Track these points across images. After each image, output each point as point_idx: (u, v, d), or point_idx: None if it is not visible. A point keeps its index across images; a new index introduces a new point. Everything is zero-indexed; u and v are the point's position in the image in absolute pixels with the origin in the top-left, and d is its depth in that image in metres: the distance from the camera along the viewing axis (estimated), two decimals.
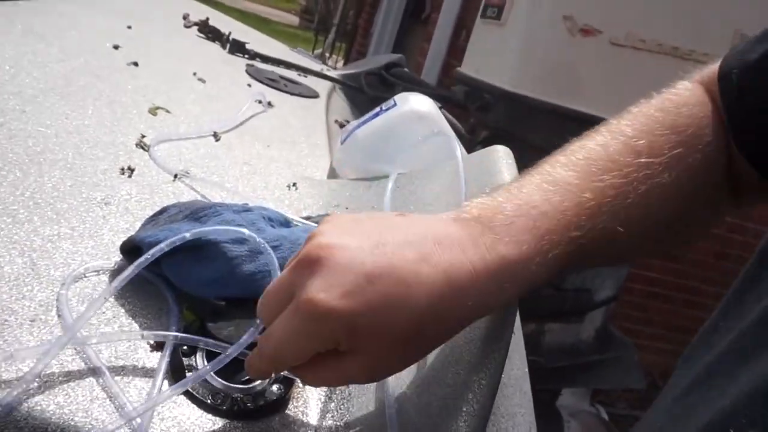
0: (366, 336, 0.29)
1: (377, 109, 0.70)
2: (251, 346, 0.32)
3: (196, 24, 1.19)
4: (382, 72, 1.36)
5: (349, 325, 0.28)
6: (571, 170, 0.37)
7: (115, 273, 0.38)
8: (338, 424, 0.35)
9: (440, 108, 1.07)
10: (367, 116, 0.70)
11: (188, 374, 0.32)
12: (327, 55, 6.27)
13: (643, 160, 0.37)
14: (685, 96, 0.41)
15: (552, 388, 1.54)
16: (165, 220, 0.41)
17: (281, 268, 0.39)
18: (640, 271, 2.64)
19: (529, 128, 0.96)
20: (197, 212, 0.40)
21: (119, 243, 0.39)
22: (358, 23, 5.19)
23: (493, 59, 1.03)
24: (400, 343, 0.30)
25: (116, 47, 0.80)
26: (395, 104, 0.68)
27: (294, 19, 13.90)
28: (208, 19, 1.18)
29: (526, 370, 0.53)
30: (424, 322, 0.29)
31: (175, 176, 0.52)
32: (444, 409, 0.34)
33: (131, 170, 0.50)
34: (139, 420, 0.28)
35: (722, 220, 0.35)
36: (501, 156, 0.55)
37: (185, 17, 1.21)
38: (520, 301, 0.47)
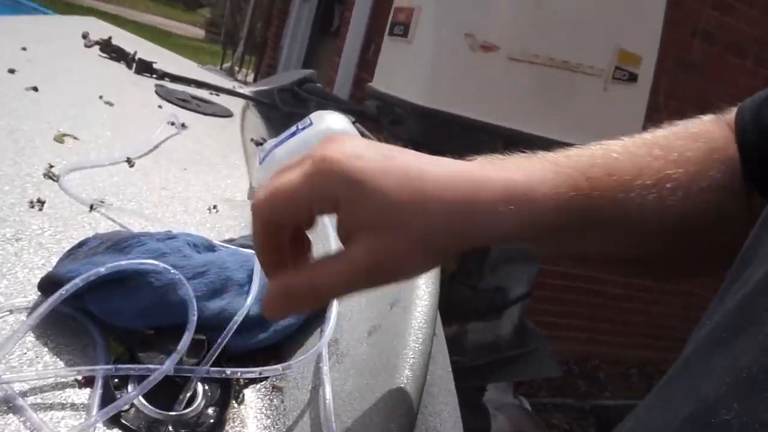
0: (371, 202, 0.29)
1: (293, 128, 0.71)
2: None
3: (97, 43, 1.15)
4: (295, 88, 1.37)
5: (357, 185, 0.28)
6: (584, 149, 0.37)
7: (33, 311, 0.37)
8: None
9: (354, 123, 1.10)
10: (284, 135, 0.72)
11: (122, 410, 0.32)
12: (236, 69, 6.16)
13: (657, 152, 0.37)
14: (707, 120, 0.42)
15: (477, 385, 1.61)
16: (85, 253, 0.40)
17: (212, 293, 0.40)
18: (551, 266, 2.81)
19: (441, 140, 1.01)
20: (119, 243, 0.40)
21: (35, 280, 0.38)
22: (267, 36, 5.14)
23: (403, 75, 1.08)
24: (406, 226, 0.29)
25: (12, 71, 0.76)
26: (311, 123, 0.70)
27: (198, 32, 13.50)
28: (110, 38, 1.14)
29: (450, 369, 0.56)
30: (434, 209, 0.30)
31: (91, 207, 0.51)
32: (376, 413, 0.36)
33: (41, 203, 0.49)
34: None
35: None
36: None
37: (85, 36, 1.16)
38: (441, 305, 0.49)
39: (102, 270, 0.36)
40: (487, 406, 1.67)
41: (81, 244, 0.42)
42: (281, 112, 1.29)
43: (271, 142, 0.73)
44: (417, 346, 0.39)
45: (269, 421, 0.37)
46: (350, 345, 0.42)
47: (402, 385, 0.37)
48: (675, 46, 2.51)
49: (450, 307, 1.42)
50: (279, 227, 0.32)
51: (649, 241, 0.38)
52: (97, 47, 1.14)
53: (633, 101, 1.16)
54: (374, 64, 2.11)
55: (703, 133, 0.40)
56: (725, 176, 0.38)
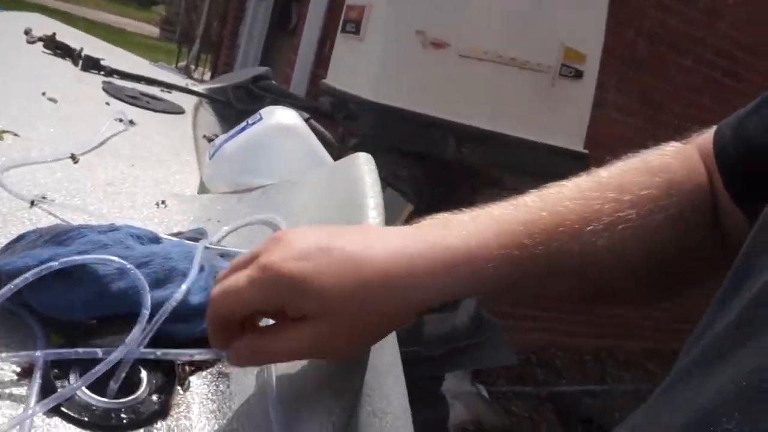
0: (312, 299, 0.32)
1: (243, 123, 0.72)
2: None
3: (41, 39, 1.12)
4: (250, 85, 1.37)
5: (297, 287, 0.32)
6: (536, 197, 0.39)
7: None
8: (221, 422, 0.37)
9: (309, 119, 1.11)
10: (234, 130, 0.72)
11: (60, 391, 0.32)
12: (192, 67, 6.04)
13: (611, 194, 0.39)
14: (669, 150, 0.43)
15: (435, 375, 1.64)
16: (23, 246, 0.40)
17: (155, 283, 0.40)
18: None
19: (392, 135, 1.03)
20: (59, 236, 0.40)
21: None
22: (223, 34, 5.06)
23: (355, 71, 1.09)
24: (347, 313, 0.33)
25: None
26: (261, 118, 0.71)
27: (154, 30, 13.17)
28: (54, 34, 1.12)
29: (399, 356, 0.58)
30: (372, 293, 0.33)
31: (32, 203, 0.50)
32: (320, 394, 0.37)
33: None
34: None
35: (719, 274, 0.37)
36: (362, 162, 0.60)
37: (27, 32, 1.13)
38: None
39: (55, 264, 0.36)
40: (445, 395, 1.71)
41: (19, 238, 0.41)
42: (236, 109, 1.29)
43: (222, 137, 0.74)
44: None
45: (215, 405, 0.38)
46: None
47: (344, 368, 0.38)
48: (621, 45, 2.60)
49: None
50: (231, 319, 0.35)
51: (609, 279, 0.40)
52: (40, 43, 1.11)
53: (579, 97, 1.21)
54: (330, 60, 2.11)
55: (661, 167, 0.41)
56: (684, 209, 0.39)
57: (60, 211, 0.51)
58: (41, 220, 0.49)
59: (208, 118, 1.20)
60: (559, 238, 0.37)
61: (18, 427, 0.29)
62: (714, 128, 0.43)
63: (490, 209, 0.38)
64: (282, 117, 0.71)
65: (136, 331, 0.35)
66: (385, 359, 0.53)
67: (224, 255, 0.50)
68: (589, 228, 0.37)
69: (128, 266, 0.38)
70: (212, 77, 5.12)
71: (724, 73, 2.99)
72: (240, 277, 0.34)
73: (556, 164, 1.22)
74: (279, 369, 0.39)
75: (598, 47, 1.16)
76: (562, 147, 1.19)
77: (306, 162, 0.70)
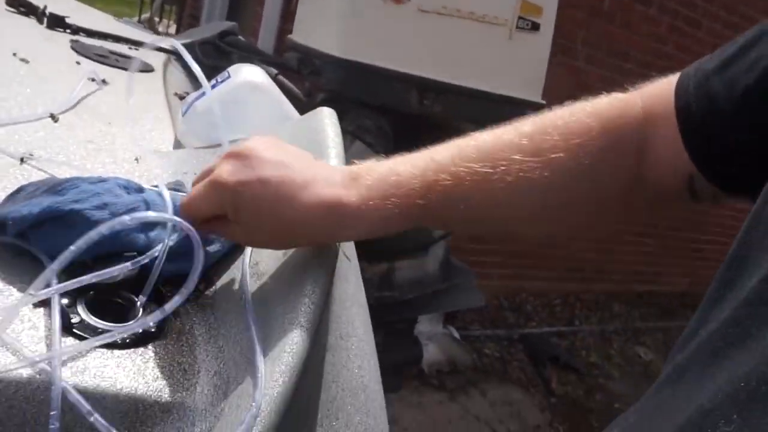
0: (244, 209, 0.42)
1: (213, 81, 0.76)
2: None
3: None
4: (217, 41, 1.38)
5: (234, 198, 0.42)
6: (450, 151, 0.45)
7: None
8: (209, 344, 0.44)
9: (277, 75, 1.14)
10: (202, 88, 0.76)
11: (74, 322, 0.38)
12: (156, 20, 5.84)
13: (517, 157, 0.43)
14: (602, 104, 0.45)
15: (408, 318, 1.74)
16: (24, 197, 0.45)
17: (143, 227, 0.46)
18: None
19: (356, 89, 1.07)
20: (55, 186, 0.45)
21: None
22: None
23: (319, 27, 1.12)
24: (267, 224, 0.43)
25: None
26: (229, 76, 0.75)
27: None
28: None
29: (362, 288, 0.65)
30: (284, 216, 0.42)
31: (22, 160, 0.55)
32: (288, 310, 0.44)
33: None
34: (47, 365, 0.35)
35: (639, 215, 0.40)
36: (325, 116, 0.65)
37: None
38: (368, 243, 0.58)
39: (103, 230, 0.41)
40: (418, 337, 1.82)
41: (18, 191, 0.46)
42: (204, 65, 1.31)
43: (193, 95, 0.78)
44: (321, 261, 0.48)
45: (203, 329, 0.45)
46: (268, 265, 0.49)
47: (310, 293, 0.45)
48: None
49: (379, 247, 1.52)
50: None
51: (527, 225, 0.48)
52: (2, 1, 1.10)
53: (536, 49, 1.26)
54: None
55: (594, 111, 0.44)
56: (606, 150, 0.43)
57: (48, 167, 0.56)
58: (32, 175, 0.54)
59: (178, 76, 1.22)
60: (458, 197, 0.44)
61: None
62: (667, 79, 0.44)
63: (402, 164, 0.46)
64: (249, 74, 0.75)
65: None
66: (350, 290, 0.60)
67: None
68: (489, 186, 0.44)
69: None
70: (177, 31, 4.97)
71: (686, 21, 3.05)
72: (198, 189, 0.44)
73: (515, 115, 1.28)
74: (255, 299, 0.45)
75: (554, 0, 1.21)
76: (521, 98, 1.25)
77: (274, 117, 0.75)
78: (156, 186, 0.58)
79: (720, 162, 0.40)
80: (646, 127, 0.44)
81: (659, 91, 0.44)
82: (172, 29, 5.32)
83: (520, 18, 1.18)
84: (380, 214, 0.44)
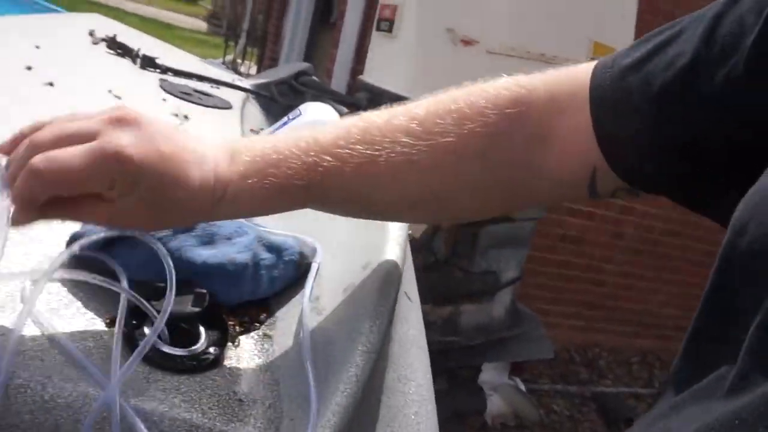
0: (142, 188, 0.37)
1: (285, 118, 0.79)
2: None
3: (103, 40, 1.22)
4: (292, 81, 1.44)
5: (136, 175, 0.37)
6: (335, 133, 0.44)
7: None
8: (265, 374, 0.43)
9: (346, 113, 1.17)
10: (276, 125, 0.79)
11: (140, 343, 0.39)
12: (239, 61, 6.22)
13: (405, 140, 0.42)
14: (501, 89, 0.44)
15: (472, 365, 1.69)
16: None
17: (201, 244, 0.47)
18: (548, 255, 2.88)
19: None
20: None
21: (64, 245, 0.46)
22: (268, 28, 5.20)
23: (389, 68, 1.15)
24: (153, 203, 0.39)
25: (29, 68, 0.83)
26: (300, 113, 0.77)
27: (201, 24, 13.55)
28: (116, 35, 1.21)
29: (423, 330, 0.64)
30: (173, 195, 0.39)
31: None
32: (348, 354, 0.44)
33: None
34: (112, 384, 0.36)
35: (531, 204, 0.40)
36: None
37: (91, 34, 1.23)
38: (434, 285, 0.56)
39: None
40: (482, 386, 1.75)
41: None
42: (279, 104, 1.37)
43: (265, 131, 0.81)
44: (382, 300, 0.47)
45: (260, 360, 0.45)
46: (329, 300, 0.49)
47: (368, 332, 0.44)
48: None
49: (443, 290, 1.50)
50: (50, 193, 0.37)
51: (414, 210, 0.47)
52: (103, 44, 1.21)
53: None
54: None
55: (471, 113, 0.43)
56: (501, 128, 0.42)
57: None
58: None
59: (255, 113, 1.28)
60: (340, 180, 0.42)
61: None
62: (574, 68, 0.44)
63: (284, 143, 0.43)
64: (319, 112, 0.77)
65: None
66: (410, 332, 0.59)
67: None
68: (371, 169, 0.42)
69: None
70: (258, 71, 5.27)
71: None
72: (76, 154, 0.36)
73: None
74: (314, 335, 0.45)
75: (629, 41, 1.17)
76: None
77: None
78: None
79: (632, 156, 0.39)
80: (551, 114, 0.42)
81: (567, 79, 0.43)
82: (253, 70, 5.64)
83: (592, 59, 1.16)
84: (259, 193, 0.42)
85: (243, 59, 6.29)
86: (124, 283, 0.41)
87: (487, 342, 1.65)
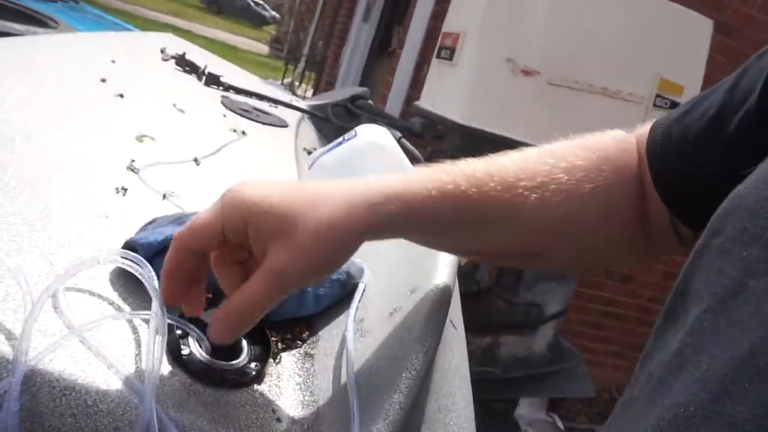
0: (270, 217, 0.35)
1: (340, 138, 0.79)
2: None
3: (173, 57, 1.27)
4: (348, 104, 1.46)
5: (255, 203, 0.35)
6: (483, 159, 0.44)
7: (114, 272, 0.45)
8: (305, 394, 0.43)
9: (401, 137, 1.17)
10: (331, 145, 0.79)
11: (183, 354, 0.40)
12: (297, 83, 6.41)
13: (549, 160, 0.43)
14: (609, 134, 0.46)
15: (509, 398, 1.63)
16: (153, 226, 0.49)
17: None
18: (595, 291, 2.79)
19: (478, 156, 1.07)
20: (181, 218, 0.48)
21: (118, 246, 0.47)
22: (327, 54, 5.34)
23: (446, 95, 1.15)
24: (301, 227, 0.35)
25: (103, 80, 0.88)
26: (356, 135, 0.78)
27: (263, 48, 14.07)
28: (185, 53, 1.27)
29: (466, 358, 0.62)
30: (319, 210, 0.36)
31: (164, 196, 0.60)
32: (391, 381, 0.42)
33: (125, 190, 0.58)
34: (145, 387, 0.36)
35: (638, 263, 0.40)
36: None
37: (163, 51, 1.29)
38: (474, 314, 0.54)
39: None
40: (518, 420, 1.69)
41: (151, 222, 0.50)
42: (334, 125, 1.39)
43: (320, 150, 0.81)
44: (429, 327, 0.45)
45: (300, 379, 0.44)
46: (374, 323, 0.48)
47: (414, 359, 0.43)
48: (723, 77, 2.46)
49: (484, 320, 1.46)
50: (191, 255, 0.37)
51: (535, 236, 0.43)
52: (173, 61, 1.26)
53: None
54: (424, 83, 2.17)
55: (597, 145, 0.45)
56: (611, 186, 0.43)
57: (185, 204, 0.61)
58: (170, 210, 0.58)
59: (309, 132, 1.30)
60: (494, 187, 0.40)
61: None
62: (652, 123, 0.46)
63: (437, 165, 0.43)
64: (375, 135, 0.77)
65: None
66: (453, 361, 0.57)
67: None
68: (522, 183, 0.41)
69: None
70: (314, 94, 5.41)
71: None
72: (208, 209, 0.37)
73: None
74: (357, 357, 0.44)
75: (698, 78, 1.14)
76: None
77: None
78: None
79: (687, 204, 0.42)
80: (641, 168, 0.45)
81: (645, 134, 0.46)
82: (309, 92, 5.79)
83: (657, 96, 1.12)
84: (431, 190, 0.39)
85: (300, 82, 6.48)
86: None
87: (525, 376, 1.59)
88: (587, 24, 1.06)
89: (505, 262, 0.51)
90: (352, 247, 0.38)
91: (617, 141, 0.46)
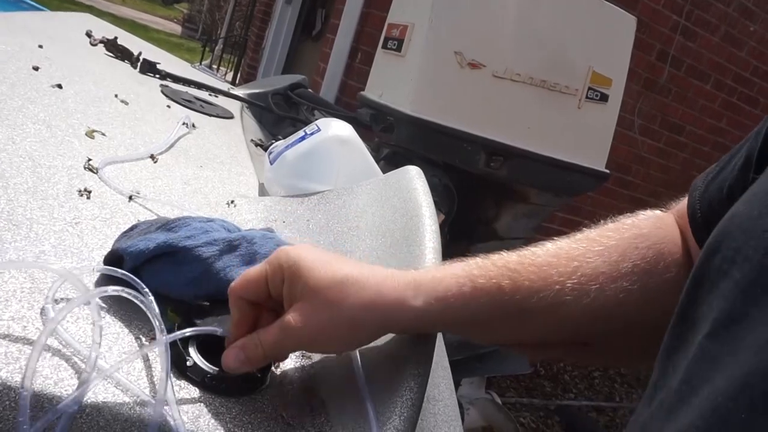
0: (304, 281, 0.39)
1: (302, 133, 0.78)
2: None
3: (102, 42, 1.19)
4: (288, 92, 1.44)
5: (295, 264, 0.39)
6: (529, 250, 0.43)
7: (99, 283, 0.43)
8: (311, 396, 0.43)
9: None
10: (293, 139, 0.78)
11: (188, 364, 0.39)
12: (215, 67, 6.15)
13: (559, 270, 0.41)
14: (632, 217, 0.45)
15: (453, 380, 1.69)
16: (138, 233, 0.47)
17: (245, 263, 0.46)
18: None
19: (427, 147, 1.09)
20: (168, 224, 0.47)
21: (99, 258, 0.45)
22: (248, 36, 5.17)
23: (395, 86, 1.16)
24: (327, 300, 0.38)
25: (36, 68, 0.81)
26: (319, 129, 0.77)
27: (175, 28, 13.35)
28: (116, 38, 1.19)
29: (444, 350, 0.64)
30: (346, 289, 0.39)
31: (130, 197, 0.57)
32: (395, 372, 0.43)
33: (88, 192, 0.54)
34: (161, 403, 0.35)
35: None
36: (414, 175, 0.66)
37: (89, 35, 1.21)
38: None
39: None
40: (460, 400, 1.75)
41: (132, 228, 0.48)
42: (274, 114, 1.36)
43: (280, 144, 0.80)
44: (421, 344, 0.47)
45: (304, 382, 0.44)
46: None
47: (417, 356, 0.44)
48: (643, 69, 2.66)
49: None
50: (249, 304, 0.41)
51: (575, 322, 0.41)
52: (101, 46, 1.18)
53: (603, 119, 1.27)
54: (359, 71, 2.17)
55: (629, 225, 0.44)
56: (648, 262, 0.41)
57: (152, 205, 0.58)
58: (140, 213, 0.56)
59: (251, 123, 1.27)
60: (527, 276, 0.40)
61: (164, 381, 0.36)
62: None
63: (474, 259, 0.42)
64: (338, 129, 0.77)
65: None
66: (438, 370, 0.59)
67: None
68: (557, 269, 0.41)
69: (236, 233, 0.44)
70: (234, 78, 5.22)
71: (742, 98, 3.03)
72: (260, 265, 0.41)
73: (578, 182, 1.28)
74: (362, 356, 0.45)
75: (623, 72, 1.22)
76: (586, 166, 1.25)
77: (358, 170, 0.76)
78: (250, 230, 0.60)
79: None
80: (684, 244, 0.44)
81: (684, 207, 0.45)
82: (229, 76, 5.59)
83: (590, 89, 1.20)
84: (460, 289, 0.40)
85: (219, 65, 6.23)
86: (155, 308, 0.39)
87: (467, 358, 1.66)
88: (528, 19, 1.11)
89: (552, 354, 0.48)
90: (371, 338, 0.42)
91: (652, 219, 0.45)
